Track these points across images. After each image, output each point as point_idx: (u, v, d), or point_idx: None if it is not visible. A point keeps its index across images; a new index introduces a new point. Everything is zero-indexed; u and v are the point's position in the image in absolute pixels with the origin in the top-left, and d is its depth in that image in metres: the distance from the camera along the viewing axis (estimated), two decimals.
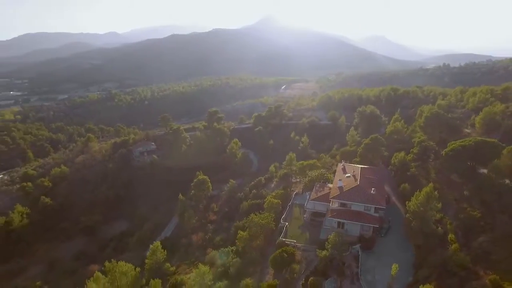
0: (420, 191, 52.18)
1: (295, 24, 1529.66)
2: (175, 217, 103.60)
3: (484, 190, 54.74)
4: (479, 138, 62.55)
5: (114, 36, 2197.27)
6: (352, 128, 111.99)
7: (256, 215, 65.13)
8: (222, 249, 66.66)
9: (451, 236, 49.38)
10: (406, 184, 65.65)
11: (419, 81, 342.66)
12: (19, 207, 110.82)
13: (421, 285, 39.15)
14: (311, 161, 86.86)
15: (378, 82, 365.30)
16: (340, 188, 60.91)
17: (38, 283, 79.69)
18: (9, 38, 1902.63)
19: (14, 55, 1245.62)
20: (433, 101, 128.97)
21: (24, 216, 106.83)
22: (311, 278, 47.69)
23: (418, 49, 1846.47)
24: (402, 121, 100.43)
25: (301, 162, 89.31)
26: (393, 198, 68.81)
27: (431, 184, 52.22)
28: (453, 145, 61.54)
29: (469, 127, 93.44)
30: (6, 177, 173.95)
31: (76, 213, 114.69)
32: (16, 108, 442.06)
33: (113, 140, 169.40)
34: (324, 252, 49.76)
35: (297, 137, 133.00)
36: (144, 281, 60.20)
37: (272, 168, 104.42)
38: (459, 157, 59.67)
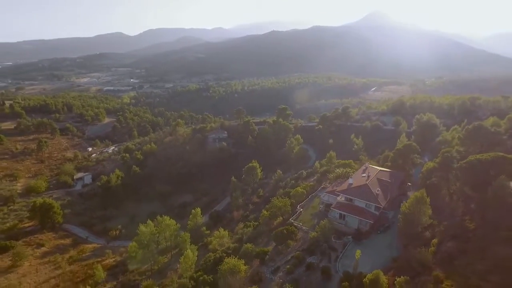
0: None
1: (403, 21, 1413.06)
2: (229, 195, 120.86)
3: (486, 205, 55.73)
4: (501, 153, 61.38)
5: (220, 31, 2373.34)
6: (404, 134, 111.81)
7: (277, 199, 76.46)
8: None
9: (434, 240, 53.19)
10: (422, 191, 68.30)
11: None
12: (117, 171, 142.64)
13: (376, 270, 46.01)
14: (346, 161, 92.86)
15: (481, 90, 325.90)
16: (350, 184, 67.76)
17: (119, 227, 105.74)
18: (136, 33, 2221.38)
19: (138, 48, 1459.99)
20: None
21: (119, 178, 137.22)
22: (298, 252, 57.49)
23: None
24: (454, 132, 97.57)
25: (338, 161, 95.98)
26: None
27: (422, 190, 56.08)
28: (470, 158, 62.17)
29: None
30: (116, 149, 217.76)
31: (156, 182, 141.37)
32: (133, 93, 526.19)
33: (193, 126, 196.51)
34: (313, 234, 58.81)
35: (355, 139, 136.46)
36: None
37: (317, 164, 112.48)
38: (473, 170, 60.30)
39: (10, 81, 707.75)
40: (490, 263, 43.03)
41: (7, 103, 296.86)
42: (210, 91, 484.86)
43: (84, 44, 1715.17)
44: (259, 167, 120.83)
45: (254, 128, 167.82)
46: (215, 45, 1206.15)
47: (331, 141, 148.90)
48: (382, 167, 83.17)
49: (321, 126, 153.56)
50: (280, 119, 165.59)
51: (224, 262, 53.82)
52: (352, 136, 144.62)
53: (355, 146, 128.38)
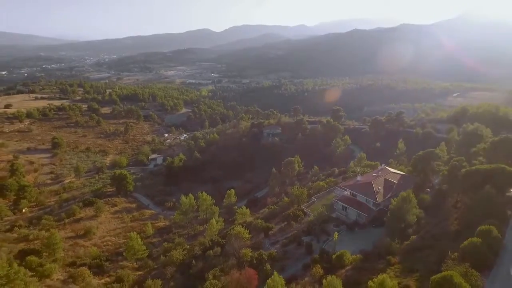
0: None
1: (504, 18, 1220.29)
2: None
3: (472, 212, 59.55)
4: (502, 165, 62.82)
5: (302, 29, 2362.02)
6: (443, 142, 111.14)
7: (296, 188, 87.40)
8: None
9: (413, 237, 59.49)
10: (427, 195, 73.02)
11: None
12: (181, 155, 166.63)
13: (343, 250, 55.26)
14: (372, 162, 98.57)
15: None
16: (357, 181, 75.70)
17: (174, 200, 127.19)
18: (222, 30, 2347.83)
19: (221, 44, 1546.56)
20: None
21: (181, 161, 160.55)
22: (296, 231, 68.59)
23: None
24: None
25: (366, 162, 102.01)
26: None
27: (409, 190, 61.92)
28: (471, 168, 65.07)
29: None
30: (187, 136, 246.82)
31: (211, 168, 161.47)
32: (211, 87, 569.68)
33: (252, 121, 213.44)
34: (310, 218, 69.17)
35: (399, 144, 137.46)
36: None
37: (352, 164, 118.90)
38: (471, 179, 63.46)
39: (113, 72, 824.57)
40: (441, 256, 48.89)
41: (108, 91, 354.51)
42: (282, 89, 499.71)
43: (175, 39, 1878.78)
44: (300, 162, 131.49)
45: (306, 126, 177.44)
46: (295, 43, 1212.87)
47: (378, 144, 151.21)
48: (403, 171, 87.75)
49: (368, 129, 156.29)
50: (331, 120, 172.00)
51: (233, 229, 67.81)
52: (400, 141, 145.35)
53: (397, 151, 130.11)
